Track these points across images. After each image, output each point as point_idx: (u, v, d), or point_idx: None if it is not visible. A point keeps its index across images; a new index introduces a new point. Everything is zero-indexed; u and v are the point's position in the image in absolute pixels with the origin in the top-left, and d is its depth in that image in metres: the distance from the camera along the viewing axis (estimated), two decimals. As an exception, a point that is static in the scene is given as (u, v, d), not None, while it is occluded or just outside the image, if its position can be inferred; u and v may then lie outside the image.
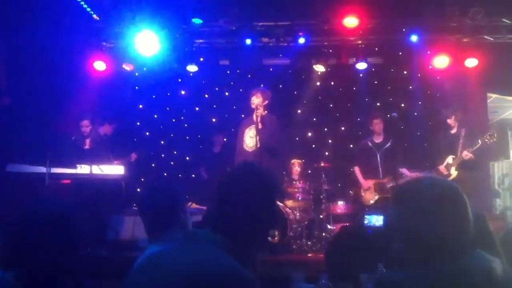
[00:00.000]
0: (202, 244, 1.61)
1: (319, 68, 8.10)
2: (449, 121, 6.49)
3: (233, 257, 1.58)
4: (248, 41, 7.65)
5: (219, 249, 1.59)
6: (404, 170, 6.77)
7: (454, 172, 6.22)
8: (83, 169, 5.89)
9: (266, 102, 6.52)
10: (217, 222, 1.68)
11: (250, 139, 6.50)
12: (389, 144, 6.87)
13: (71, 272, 1.93)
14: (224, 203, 1.70)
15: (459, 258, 1.62)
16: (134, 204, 7.08)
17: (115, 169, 6.11)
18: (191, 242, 1.64)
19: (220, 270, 1.52)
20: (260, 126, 6.21)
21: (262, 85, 7.02)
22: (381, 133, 7.09)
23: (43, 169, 5.67)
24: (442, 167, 6.32)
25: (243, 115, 6.97)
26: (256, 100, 6.45)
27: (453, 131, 6.45)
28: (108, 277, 1.63)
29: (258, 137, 6.22)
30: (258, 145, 6.17)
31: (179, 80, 9.04)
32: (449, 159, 6.30)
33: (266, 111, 6.47)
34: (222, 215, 1.68)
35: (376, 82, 8.85)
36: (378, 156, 6.87)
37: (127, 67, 7.92)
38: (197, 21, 7.33)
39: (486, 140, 5.98)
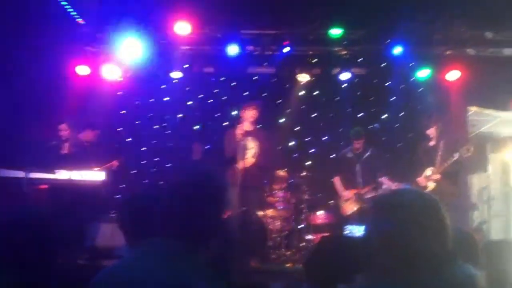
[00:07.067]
0: (158, 254, 1.60)
1: (303, 78, 8.12)
2: (428, 131, 6.52)
3: (191, 264, 1.58)
4: (234, 49, 7.65)
5: (175, 259, 1.58)
6: (384, 179, 6.77)
7: (431, 185, 6.27)
8: (62, 174, 5.77)
9: None
10: (169, 225, 1.68)
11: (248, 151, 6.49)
12: (368, 153, 6.91)
13: (48, 280, 1.89)
14: (176, 206, 1.71)
15: (440, 269, 1.62)
16: (113, 211, 7.00)
17: (95, 175, 6.02)
18: (146, 253, 1.62)
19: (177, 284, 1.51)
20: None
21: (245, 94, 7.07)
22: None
23: (21, 174, 5.54)
24: (421, 179, 6.36)
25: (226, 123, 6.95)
26: (253, 114, 6.49)
27: (432, 143, 6.49)
28: (85, 285, 1.60)
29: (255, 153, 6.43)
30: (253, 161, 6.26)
31: (163, 86, 8.98)
32: (428, 171, 6.35)
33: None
34: (175, 218, 1.69)
35: (359, 93, 8.89)
36: (358, 165, 6.89)
37: (111, 73, 7.84)
38: (183, 27, 7.28)
39: (463, 154, 6.05)
